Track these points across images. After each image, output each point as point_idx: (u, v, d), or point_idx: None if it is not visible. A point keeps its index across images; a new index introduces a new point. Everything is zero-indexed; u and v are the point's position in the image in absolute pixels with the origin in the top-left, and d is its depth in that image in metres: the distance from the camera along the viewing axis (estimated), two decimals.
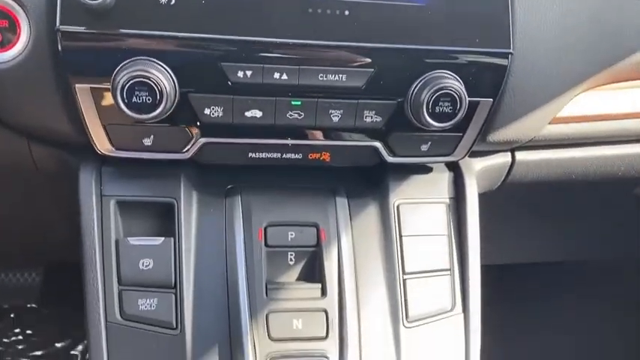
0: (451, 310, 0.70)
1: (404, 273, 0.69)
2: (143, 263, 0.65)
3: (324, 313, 0.65)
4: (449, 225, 0.73)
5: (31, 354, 1.70)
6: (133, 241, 0.65)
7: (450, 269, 0.71)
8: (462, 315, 0.70)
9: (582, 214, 1.14)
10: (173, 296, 0.64)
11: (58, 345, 1.72)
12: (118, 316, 0.64)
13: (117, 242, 0.65)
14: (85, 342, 1.73)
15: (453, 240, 0.72)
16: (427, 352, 0.68)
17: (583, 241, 1.24)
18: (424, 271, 0.70)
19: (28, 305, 1.71)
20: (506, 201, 0.94)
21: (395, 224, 0.71)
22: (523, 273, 1.53)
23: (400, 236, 0.70)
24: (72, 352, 1.71)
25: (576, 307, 1.65)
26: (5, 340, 1.70)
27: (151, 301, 0.64)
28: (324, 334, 0.65)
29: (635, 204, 1.11)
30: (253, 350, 0.63)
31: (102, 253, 0.65)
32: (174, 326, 0.64)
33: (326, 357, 0.64)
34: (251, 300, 0.65)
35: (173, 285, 0.65)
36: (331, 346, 0.65)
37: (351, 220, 0.70)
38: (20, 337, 1.71)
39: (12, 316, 1.72)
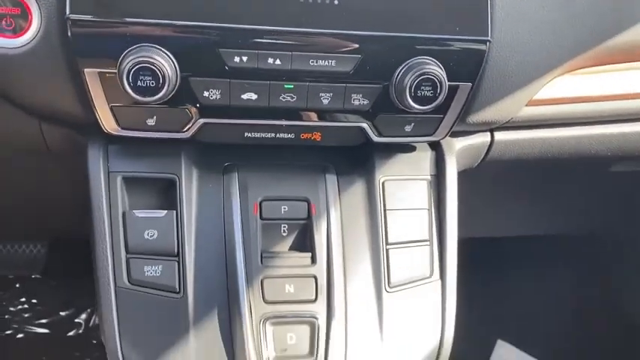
0: (429, 276, 0.75)
1: (387, 243, 0.74)
2: (148, 234, 0.69)
3: (313, 279, 0.70)
4: (430, 200, 0.77)
5: (36, 322, 1.73)
6: (139, 213, 0.69)
7: (429, 240, 0.75)
8: (440, 281, 0.75)
9: (560, 190, 1.18)
10: (176, 264, 0.68)
11: (63, 313, 1.75)
12: (126, 281, 0.68)
13: (124, 214, 0.69)
14: (89, 310, 1.78)
15: (433, 214, 0.76)
16: (407, 314, 0.73)
17: (561, 215, 1.29)
18: (406, 241, 0.74)
19: (33, 276, 1.74)
20: (488, 177, 0.98)
21: (380, 199, 0.75)
22: (503, 245, 1.59)
23: (384, 210, 0.74)
24: (76, 320, 1.75)
25: (551, 277, 1.70)
26: (12, 308, 1.73)
27: (156, 267, 0.68)
28: (313, 298, 0.70)
29: (610, 181, 1.16)
30: (249, 311, 0.68)
31: (110, 225, 0.68)
32: (178, 290, 0.68)
33: (315, 318, 0.69)
34: (247, 267, 0.69)
35: (176, 253, 0.69)
36: (320, 308, 0.69)
37: (339, 195, 0.74)
38: (26, 306, 1.74)
39: (17, 286, 1.75)
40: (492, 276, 1.76)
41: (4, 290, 1.74)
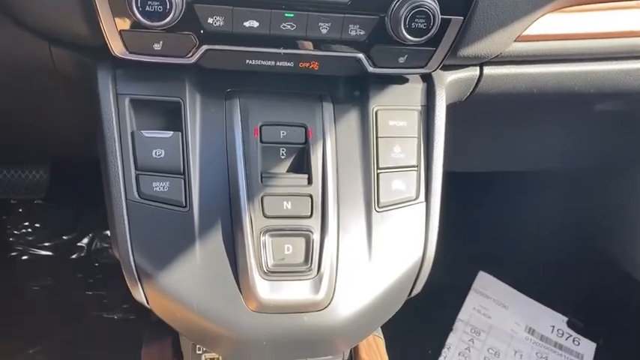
0: (415, 199, 0.79)
1: (378, 168, 0.78)
2: (156, 152, 0.72)
3: (309, 198, 0.74)
4: (419, 129, 0.80)
5: (40, 245, 1.80)
6: (147, 133, 0.72)
7: (417, 166, 0.79)
8: (425, 203, 0.79)
9: (548, 128, 1.23)
10: (182, 181, 0.72)
11: (65, 237, 1.81)
12: (136, 195, 0.71)
13: (132, 134, 0.72)
14: (90, 235, 1.85)
15: (422, 142, 0.80)
16: (393, 231, 0.78)
17: (547, 152, 1.34)
18: (395, 167, 0.78)
19: (36, 201, 1.78)
20: (475, 114, 1.02)
21: (373, 127, 0.78)
22: (492, 179, 1.65)
23: (377, 137, 0.78)
24: (78, 244, 1.82)
25: (534, 210, 1.78)
26: (16, 232, 1.79)
27: (164, 184, 0.72)
28: (309, 214, 0.74)
29: (595, 118, 1.20)
30: (250, 225, 0.72)
31: (120, 144, 0.71)
32: (184, 205, 0.72)
33: (310, 232, 0.73)
34: (248, 185, 0.72)
35: (182, 171, 0.72)
36: (314, 223, 0.73)
37: (335, 122, 0.78)
38: (29, 230, 1.79)
39: (20, 210, 1.80)
40: (480, 209, 1.84)
41: (7, 214, 1.79)
